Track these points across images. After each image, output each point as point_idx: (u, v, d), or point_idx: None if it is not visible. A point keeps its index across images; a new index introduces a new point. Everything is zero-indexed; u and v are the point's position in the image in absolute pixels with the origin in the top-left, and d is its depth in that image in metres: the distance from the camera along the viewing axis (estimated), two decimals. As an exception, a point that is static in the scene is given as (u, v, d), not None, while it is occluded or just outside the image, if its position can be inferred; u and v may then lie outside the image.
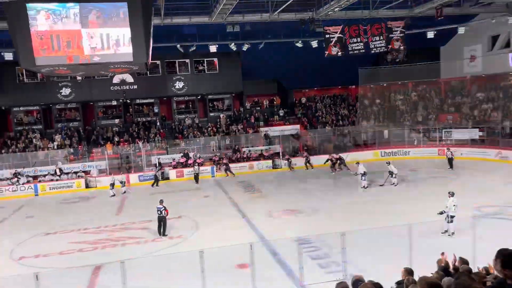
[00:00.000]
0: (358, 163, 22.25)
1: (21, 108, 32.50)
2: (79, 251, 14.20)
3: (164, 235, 14.94)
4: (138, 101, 34.46)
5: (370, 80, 31.03)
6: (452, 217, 12.73)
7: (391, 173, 21.11)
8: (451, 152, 24.60)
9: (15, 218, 20.26)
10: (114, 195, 23.26)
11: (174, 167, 28.21)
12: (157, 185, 25.90)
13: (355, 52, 25.41)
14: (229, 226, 15.83)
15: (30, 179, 26.74)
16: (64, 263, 12.89)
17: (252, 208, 18.34)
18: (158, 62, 32.30)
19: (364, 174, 21.00)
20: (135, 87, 32.31)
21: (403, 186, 21.00)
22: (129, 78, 31.96)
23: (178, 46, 27.89)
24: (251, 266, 8.73)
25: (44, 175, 26.91)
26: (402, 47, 26.22)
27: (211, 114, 35.40)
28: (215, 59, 33.71)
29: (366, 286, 4.09)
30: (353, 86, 35.89)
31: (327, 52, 25.48)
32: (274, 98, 36.69)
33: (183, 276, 10.63)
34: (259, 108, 35.95)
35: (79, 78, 28.83)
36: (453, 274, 5.84)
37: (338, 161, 27.05)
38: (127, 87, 32.10)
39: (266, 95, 36.68)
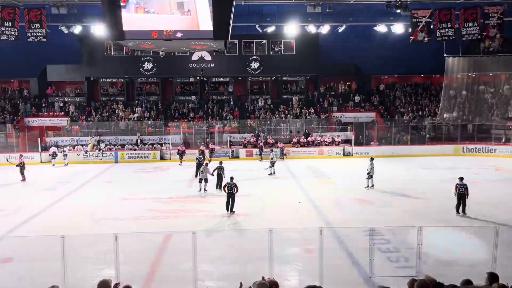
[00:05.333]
0: (272, 150, 24.47)
1: (107, 80, 34.67)
2: (152, 218, 14.92)
3: (232, 211, 15.21)
4: (214, 79, 35.21)
5: (457, 69, 28.84)
6: (371, 176, 18.58)
7: (368, 173, 18.80)
8: (465, 187, 14.35)
9: (96, 182, 21.80)
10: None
11: (245, 146, 28.60)
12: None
13: (443, 38, 23.60)
14: (295, 209, 15.72)
15: (112, 146, 28.63)
16: (138, 228, 13.63)
17: (319, 194, 18.04)
18: (236, 41, 32.57)
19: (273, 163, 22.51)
20: (212, 65, 32.98)
21: (486, 185, 19.44)
22: (207, 56, 32.65)
23: (257, 26, 27.78)
24: (318, 251, 8.56)
25: (124, 145, 28.73)
26: (498, 35, 23.95)
27: (284, 96, 35.22)
28: (293, 41, 33.27)
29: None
30: (437, 75, 33.68)
31: (412, 37, 23.98)
32: (350, 83, 35.58)
33: (250, 252, 10.74)
34: (333, 93, 35.09)
35: (161, 53, 29.95)
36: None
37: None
38: (205, 65, 32.83)
39: (342, 79, 35.67)
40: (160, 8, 15.12)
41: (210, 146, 27.64)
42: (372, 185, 18.81)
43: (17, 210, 15.76)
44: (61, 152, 26.70)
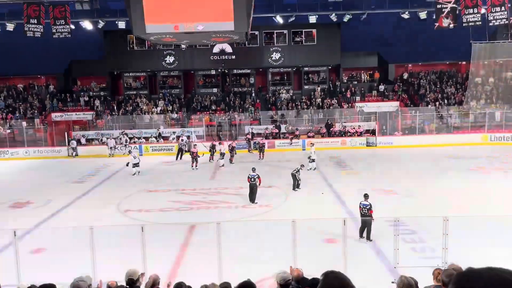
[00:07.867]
0: (219, 143, 24.46)
1: (130, 74, 35.17)
2: (176, 209, 15.16)
3: (254, 202, 15.31)
4: (235, 71, 35.26)
5: (484, 56, 28.00)
6: (313, 160, 20.51)
7: (309, 157, 20.91)
8: (369, 207, 11.23)
9: (122, 174, 22.24)
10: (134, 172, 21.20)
11: (266, 137, 28.60)
12: (180, 158, 25.45)
13: (470, 24, 23.01)
14: (318, 200, 15.70)
15: (136, 140, 29.14)
16: (163, 219, 13.90)
17: (343, 185, 17.94)
18: (256, 32, 32.48)
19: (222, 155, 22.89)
20: (233, 57, 33.02)
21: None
22: (228, 48, 32.70)
23: (278, 17, 27.65)
24: (342, 241, 8.55)
25: (148, 138, 29.23)
26: (527, 19, 23.15)
27: (306, 86, 35.00)
28: (314, 30, 32.96)
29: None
30: (463, 62, 32.83)
31: (437, 24, 23.48)
32: (373, 72, 35.04)
33: (272, 243, 10.81)
34: (356, 82, 34.65)
35: (183, 46, 30.19)
36: None
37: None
38: (226, 57, 32.92)
39: (365, 68, 35.17)
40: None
41: (233, 144, 25.03)
42: (315, 168, 20.66)
43: (47, 203, 16.28)
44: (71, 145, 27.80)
